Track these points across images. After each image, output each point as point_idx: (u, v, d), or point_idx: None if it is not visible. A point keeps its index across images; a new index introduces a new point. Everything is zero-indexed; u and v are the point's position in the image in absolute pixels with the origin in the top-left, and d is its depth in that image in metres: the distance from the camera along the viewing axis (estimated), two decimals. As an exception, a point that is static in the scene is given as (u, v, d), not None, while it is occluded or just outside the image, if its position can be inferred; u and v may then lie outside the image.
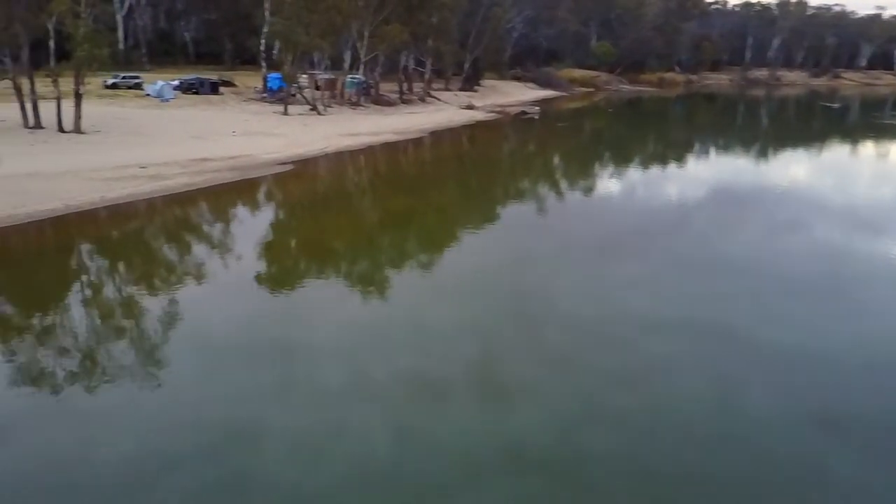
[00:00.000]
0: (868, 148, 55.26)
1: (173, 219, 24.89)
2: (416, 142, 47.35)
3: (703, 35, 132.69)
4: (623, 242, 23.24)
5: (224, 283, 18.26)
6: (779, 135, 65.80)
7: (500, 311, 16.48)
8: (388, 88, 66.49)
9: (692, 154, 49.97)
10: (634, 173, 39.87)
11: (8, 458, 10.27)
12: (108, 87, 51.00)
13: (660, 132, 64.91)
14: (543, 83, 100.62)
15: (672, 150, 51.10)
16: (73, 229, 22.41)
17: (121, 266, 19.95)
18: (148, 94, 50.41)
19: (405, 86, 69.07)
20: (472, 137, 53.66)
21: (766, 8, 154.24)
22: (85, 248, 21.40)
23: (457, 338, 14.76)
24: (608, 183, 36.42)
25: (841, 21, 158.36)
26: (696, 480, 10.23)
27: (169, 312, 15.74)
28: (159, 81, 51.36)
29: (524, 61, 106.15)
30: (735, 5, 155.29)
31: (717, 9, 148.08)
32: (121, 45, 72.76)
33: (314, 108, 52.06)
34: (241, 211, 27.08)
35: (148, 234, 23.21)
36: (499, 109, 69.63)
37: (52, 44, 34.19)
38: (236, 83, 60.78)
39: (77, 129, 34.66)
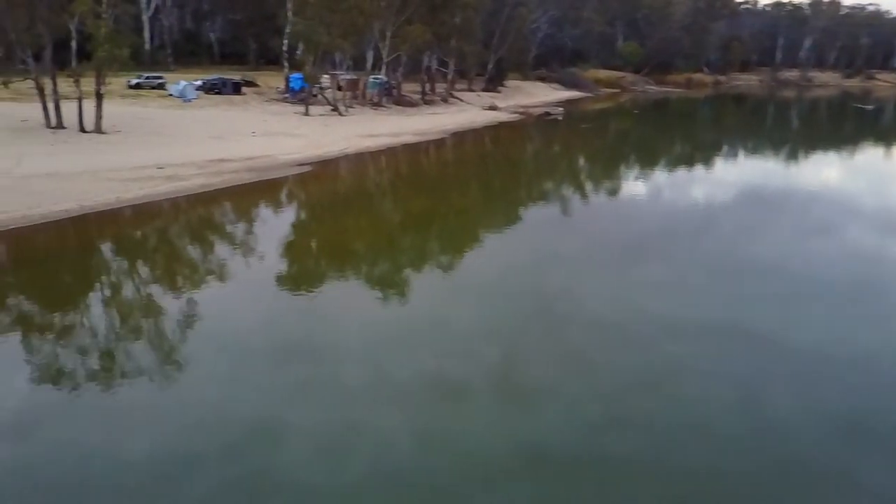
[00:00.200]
0: (903, 151, 53.63)
1: (186, 220, 24.68)
2: (437, 143, 46.89)
3: (732, 35, 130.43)
4: (647, 244, 22.78)
5: (232, 284, 17.92)
6: (809, 137, 64.18)
7: (522, 312, 16.31)
8: (410, 89, 66.12)
9: (719, 157, 48.77)
10: (659, 176, 38.97)
11: (35, 452, 10.42)
12: (131, 87, 51.27)
13: (687, 134, 63.69)
14: (568, 84, 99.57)
15: (699, 153, 50.00)
16: (86, 230, 22.26)
17: (129, 267, 19.72)
18: (171, 95, 50.57)
19: (427, 86, 68.62)
20: (494, 139, 53.06)
21: (797, 7, 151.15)
22: (96, 249, 21.26)
23: (478, 338, 14.65)
24: (632, 185, 35.57)
25: (875, 21, 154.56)
26: (719, 485, 10.03)
27: (178, 314, 15.43)
28: (182, 81, 51.52)
29: (549, 62, 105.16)
30: (765, 5, 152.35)
31: (746, 8, 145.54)
32: (147, 46, 73.42)
33: (335, 109, 51.84)
34: (256, 212, 26.78)
35: (160, 235, 23.01)
36: (522, 110, 68.89)
37: (74, 44, 34.26)
38: (259, 83, 60.84)
39: (98, 129, 34.72)
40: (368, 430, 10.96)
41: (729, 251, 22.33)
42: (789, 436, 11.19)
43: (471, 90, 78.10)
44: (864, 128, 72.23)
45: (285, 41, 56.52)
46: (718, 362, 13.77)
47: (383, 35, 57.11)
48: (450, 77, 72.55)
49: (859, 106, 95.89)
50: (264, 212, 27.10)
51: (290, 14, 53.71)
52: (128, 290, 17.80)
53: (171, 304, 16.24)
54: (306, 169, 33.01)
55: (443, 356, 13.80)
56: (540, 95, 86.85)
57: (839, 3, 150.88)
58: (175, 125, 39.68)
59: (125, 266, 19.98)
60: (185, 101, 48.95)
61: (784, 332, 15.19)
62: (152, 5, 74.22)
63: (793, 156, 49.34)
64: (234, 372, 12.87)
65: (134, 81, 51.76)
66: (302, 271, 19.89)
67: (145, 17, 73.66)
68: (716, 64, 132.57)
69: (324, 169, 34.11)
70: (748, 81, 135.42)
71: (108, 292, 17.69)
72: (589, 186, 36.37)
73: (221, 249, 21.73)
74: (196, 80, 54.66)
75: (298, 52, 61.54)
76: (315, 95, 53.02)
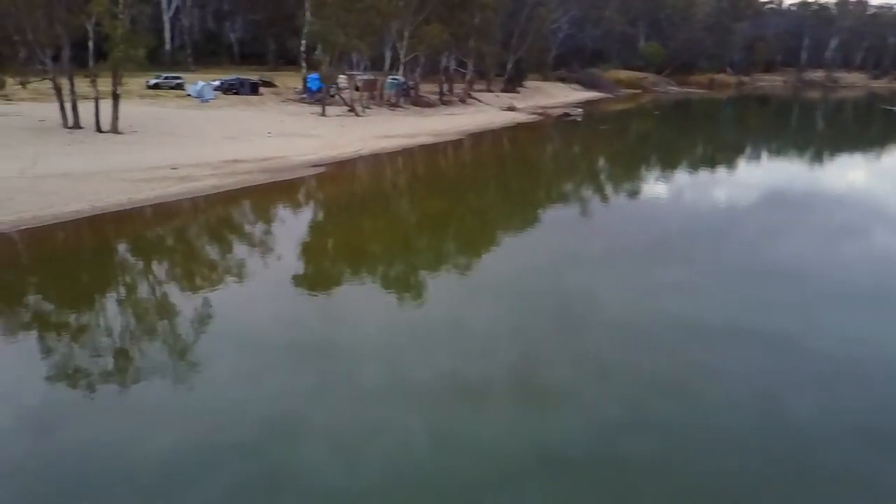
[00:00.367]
0: (932, 154, 52.29)
1: (197, 222, 24.60)
2: (454, 144, 46.54)
3: (756, 35, 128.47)
4: (667, 247, 22.58)
5: (238, 286, 17.70)
6: (835, 139, 62.86)
7: (541, 313, 16.24)
8: (428, 89, 65.84)
9: (741, 159, 47.82)
10: (679, 178, 38.26)
11: (60, 448, 10.51)
12: (150, 87, 51.56)
13: (708, 136, 62.71)
14: (588, 84, 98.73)
15: (720, 155, 49.12)
16: (95, 231, 22.19)
17: (136, 269, 19.60)
18: (189, 95, 50.75)
19: (445, 87, 68.28)
20: (511, 140, 52.60)
21: (823, 7, 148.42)
22: (104, 250, 21.12)
23: (496, 339, 14.60)
24: (651, 187, 34.93)
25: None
26: (737, 492, 9.85)
27: (183, 316, 15.26)
28: (200, 82, 51.70)
29: (569, 62, 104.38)
30: (791, 4, 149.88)
31: (771, 8, 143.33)
32: (167, 46, 73.92)
33: (352, 110, 51.70)
34: (266, 214, 26.62)
35: (170, 237, 22.93)
36: (540, 111, 68.31)
37: (91, 44, 34.39)
38: (277, 84, 60.89)
39: (114, 130, 34.83)
40: (386, 429, 10.96)
41: (752, 254, 21.99)
42: (812, 442, 11.02)
43: (489, 91, 77.68)
44: (892, 130, 70.63)
45: (303, 41, 56.56)
46: (740, 366, 13.55)
47: (401, 35, 56.90)
48: (468, 77, 72.16)
49: (887, 107, 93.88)
50: (275, 213, 26.92)
51: (307, 14, 53.73)
52: (131, 292, 17.64)
53: (175, 306, 16.08)
54: (320, 170, 32.83)
55: (461, 356, 13.75)
56: (559, 96, 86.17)
57: (866, 2, 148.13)
58: (191, 125, 39.74)
59: (132, 267, 19.87)
60: (202, 101, 49.10)
61: (808, 336, 15.00)
62: (173, 6, 74.67)
63: (817, 158, 48.30)
64: (252, 373, 12.78)
65: (153, 81, 52.06)
66: (307, 273, 19.61)
67: (166, 18, 74.15)
68: (739, 64, 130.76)
69: (338, 170, 33.90)
70: (772, 82, 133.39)
71: (111, 294, 17.55)
72: (607, 188, 35.79)
73: (230, 251, 21.57)
74: (214, 80, 54.85)
75: (317, 52, 61.60)
76: (332, 96, 52.94)
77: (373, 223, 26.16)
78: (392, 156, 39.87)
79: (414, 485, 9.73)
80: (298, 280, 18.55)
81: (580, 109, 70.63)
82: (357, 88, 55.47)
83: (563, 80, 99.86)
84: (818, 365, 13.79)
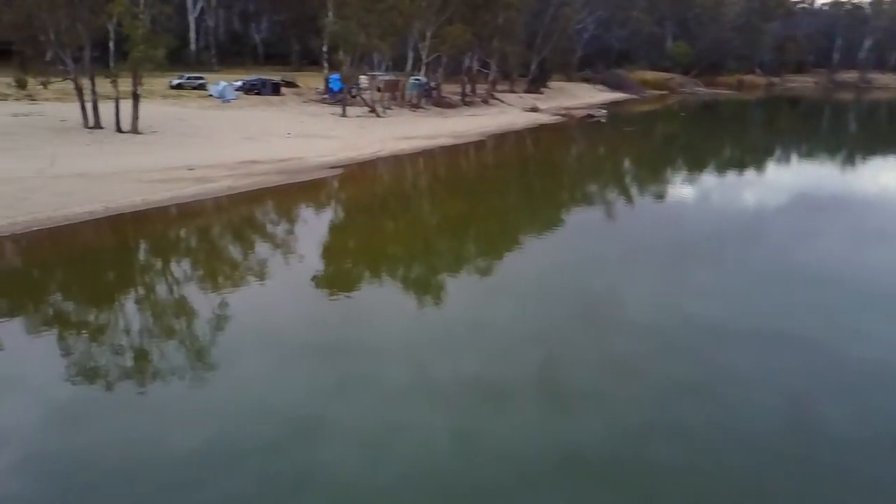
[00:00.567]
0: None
1: (208, 224, 24.37)
2: (474, 146, 46.02)
3: (786, 35, 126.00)
4: (692, 250, 22.16)
5: (244, 289, 17.38)
6: (867, 141, 61.14)
7: (564, 317, 16.10)
8: (451, 90, 65.39)
9: (769, 161, 46.61)
10: (705, 181, 37.28)
11: (87, 443, 10.60)
12: (173, 87, 51.85)
13: (736, 138, 61.31)
14: (614, 85, 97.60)
15: (748, 157, 47.96)
16: (107, 232, 22.03)
17: (143, 272, 19.42)
18: (211, 95, 50.90)
19: (468, 87, 67.76)
20: (533, 141, 51.96)
21: (857, 7, 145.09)
22: (112, 252, 20.91)
23: (519, 341, 14.50)
24: (675, 190, 34.06)
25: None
26: (764, 499, 9.66)
27: (197, 319, 14.97)
28: (221, 82, 51.84)
29: (595, 63, 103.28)
30: (823, 4, 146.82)
31: (803, 8, 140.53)
32: (192, 47, 74.48)
33: (373, 110, 51.43)
34: (280, 216, 26.37)
35: (180, 239, 22.75)
36: (564, 112, 67.51)
37: (111, 45, 34.50)
38: (299, 84, 60.93)
39: (134, 130, 34.90)
40: (408, 429, 10.95)
41: (781, 257, 21.48)
42: (842, 448, 10.80)
43: (512, 91, 77.04)
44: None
45: (325, 42, 56.46)
46: (767, 371, 13.28)
47: (423, 35, 56.53)
48: (491, 78, 71.60)
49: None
50: (289, 215, 26.64)
51: (330, 14, 53.61)
52: (136, 295, 17.42)
53: (186, 309, 15.82)
54: (337, 172, 32.52)
55: (484, 357, 13.67)
56: (583, 97, 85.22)
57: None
58: (211, 126, 39.74)
59: (140, 269, 19.69)
60: (223, 101, 49.20)
61: (838, 340, 14.76)
62: (198, 6, 75.21)
63: (850, 161, 46.90)
64: (278, 374, 12.77)
65: (175, 82, 52.35)
66: (314, 276, 19.20)
67: (191, 18, 74.73)
68: (769, 65, 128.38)
69: (355, 172, 33.56)
70: (803, 83, 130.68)
71: (113, 296, 17.34)
72: (631, 191, 35.00)
73: (240, 253, 21.32)
74: (237, 80, 55.00)
75: (341, 52, 61.49)
76: (353, 96, 52.74)
77: (387, 227, 25.80)
78: (411, 157, 39.48)
79: (436, 485, 9.73)
80: (304, 283, 18.19)
81: (604, 111, 69.68)
82: (379, 89, 55.23)
83: (587, 80, 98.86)
84: (849, 369, 13.50)
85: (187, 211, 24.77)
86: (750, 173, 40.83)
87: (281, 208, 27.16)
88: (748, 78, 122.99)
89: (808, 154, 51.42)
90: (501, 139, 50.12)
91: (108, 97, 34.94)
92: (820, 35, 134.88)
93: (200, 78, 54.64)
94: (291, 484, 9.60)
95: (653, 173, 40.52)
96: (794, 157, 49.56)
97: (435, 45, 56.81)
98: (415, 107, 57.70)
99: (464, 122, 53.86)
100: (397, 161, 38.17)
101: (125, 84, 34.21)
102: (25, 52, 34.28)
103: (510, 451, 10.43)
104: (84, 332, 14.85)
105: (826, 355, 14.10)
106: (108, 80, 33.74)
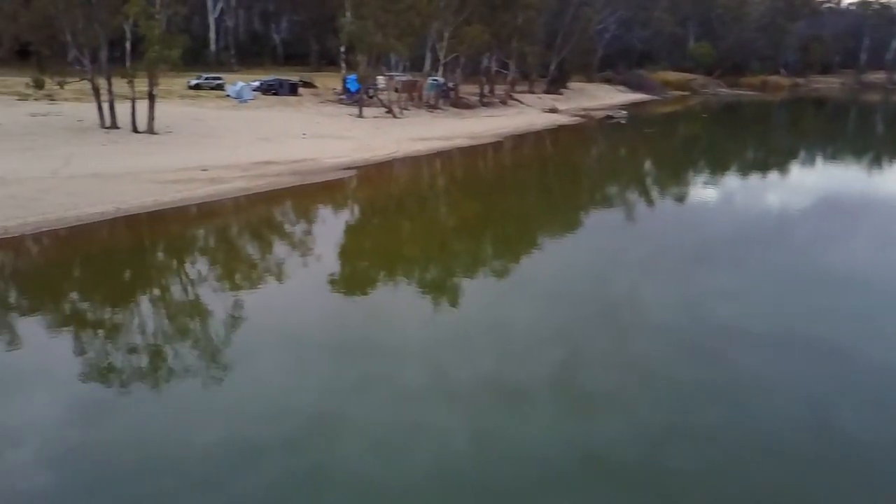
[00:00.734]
0: None
1: (217, 225, 24.24)
2: (491, 147, 45.56)
3: (812, 35, 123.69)
4: (714, 254, 21.86)
5: (251, 292, 17.14)
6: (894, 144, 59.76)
7: (584, 319, 16.05)
8: (469, 91, 64.94)
9: (794, 164, 45.58)
10: (727, 184, 36.45)
11: (109, 438, 10.77)
12: (191, 87, 52.03)
13: (759, 139, 60.16)
14: (635, 86, 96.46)
15: (771, 159, 46.97)
16: (116, 234, 21.94)
17: (149, 274, 19.27)
18: (228, 96, 50.98)
19: (486, 88, 67.27)
20: (551, 142, 51.39)
21: (885, 6, 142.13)
22: (120, 253, 20.81)
23: (538, 344, 14.43)
24: (696, 193, 33.33)
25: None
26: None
27: (193, 324, 14.76)
28: (239, 83, 51.89)
29: (616, 63, 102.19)
30: (850, 4, 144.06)
31: (829, 7, 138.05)
32: (212, 47, 74.87)
33: (389, 111, 51.19)
34: (291, 218, 26.18)
35: (189, 241, 22.58)
36: (583, 113, 66.83)
37: (128, 45, 34.57)
38: (317, 84, 60.88)
39: (150, 130, 34.94)
40: (426, 429, 10.97)
41: (805, 260, 21.24)
42: (866, 457, 10.62)
43: (532, 92, 76.40)
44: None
45: (343, 42, 56.31)
46: (791, 376, 13.14)
47: (441, 36, 56.18)
48: (509, 79, 71.08)
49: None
50: (300, 217, 26.44)
51: (347, 14, 53.48)
52: (135, 296, 17.27)
53: (182, 310, 15.60)
54: (350, 173, 32.26)
55: (503, 359, 13.61)
56: (604, 98, 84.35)
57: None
58: (226, 126, 39.71)
59: (144, 271, 19.54)
60: (240, 102, 49.23)
61: (863, 347, 14.50)
62: (218, 7, 75.58)
63: (876, 164, 45.75)
64: (299, 378, 12.81)
65: (193, 82, 52.53)
66: (320, 278, 18.92)
67: (211, 19, 75.14)
68: (794, 66, 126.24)
69: (369, 173, 33.28)
70: (829, 84, 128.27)
71: (115, 298, 17.19)
72: (649, 193, 34.36)
73: (246, 255, 21.14)
74: (255, 80, 55.05)
75: (358, 53, 61.37)
76: (371, 97, 52.53)
77: (398, 229, 25.52)
78: (427, 158, 39.16)
79: (457, 485, 9.73)
80: (304, 284, 17.93)
81: (624, 112, 68.83)
82: (396, 90, 55.00)
83: (608, 81, 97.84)
84: (875, 376, 13.27)
85: (198, 212, 24.66)
86: (773, 176, 39.94)
87: (291, 210, 26.97)
88: (772, 79, 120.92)
89: (834, 157, 50.29)
90: (519, 140, 49.63)
91: (125, 97, 35.05)
92: (847, 35, 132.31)
93: (218, 78, 54.79)
94: (311, 480, 9.75)
95: (672, 176, 39.80)
96: (818, 160, 48.51)
97: (453, 46, 56.43)
98: (432, 107, 57.37)
99: (481, 123, 53.44)
100: (412, 162, 37.86)
101: (142, 84, 34.30)
102: (43, 53, 34.46)
103: (529, 452, 10.38)
104: (83, 332, 14.71)
105: (852, 360, 13.83)
106: (125, 80, 33.85)
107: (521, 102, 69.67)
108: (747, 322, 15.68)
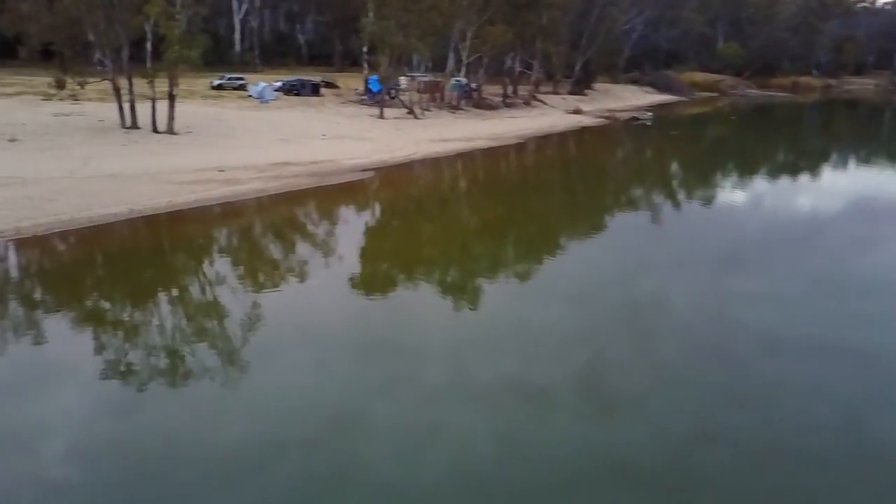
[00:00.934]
0: None
1: (230, 227, 23.98)
2: (512, 148, 44.94)
3: (846, 35, 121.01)
4: (740, 257, 21.29)
5: (259, 296, 16.79)
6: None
7: (608, 321, 15.92)
8: (493, 91, 64.32)
9: (825, 167, 44.34)
10: (755, 187, 35.38)
11: (131, 433, 10.84)
12: (214, 87, 52.17)
13: (789, 142, 58.76)
14: (661, 87, 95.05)
15: (802, 162, 45.77)
16: (125, 235, 21.72)
17: (155, 277, 19.02)
18: (250, 96, 51.01)
19: (510, 89, 66.57)
20: (575, 143, 50.64)
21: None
22: (127, 255, 20.57)
23: (562, 347, 14.32)
24: (723, 197, 32.32)
25: None
26: None
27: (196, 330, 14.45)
28: (261, 83, 51.88)
29: (643, 64, 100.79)
30: (885, 3, 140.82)
31: (863, 7, 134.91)
32: (236, 48, 75.23)
33: (411, 112, 50.80)
34: (305, 220, 25.84)
35: (199, 243, 22.29)
36: (608, 114, 65.87)
37: (148, 45, 34.60)
38: (339, 85, 60.76)
39: (170, 130, 34.94)
40: (448, 430, 10.94)
41: (836, 265, 20.73)
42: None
43: (556, 93, 75.55)
44: None
45: (365, 42, 56.07)
46: (821, 382, 12.97)
47: (463, 36, 55.68)
48: (533, 79, 70.34)
49: None
50: (312, 219, 26.11)
51: (370, 14, 53.21)
52: (136, 297, 17.01)
53: (183, 311, 15.30)
54: (368, 175, 31.89)
55: (525, 362, 13.45)
56: (629, 99, 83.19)
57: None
58: (247, 127, 39.60)
59: (150, 273, 19.30)
60: (262, 102, 49.20)
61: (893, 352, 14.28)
62: (243, 8, 75.92)
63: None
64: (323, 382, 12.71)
65: (216, 83, 52.67)
66: (327, 281, 18.51)
67: (236, 20, 75.51)
68: (826, 67, 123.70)
69: (387, 175, 32.85)
70: (862, 85, 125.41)
71: (119, 299, 16.95)
72: (676, 196, 33.49)
73: (255, 257, 20.83)
74: (277, 81, 55.05)
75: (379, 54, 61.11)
76: (393, 98, 52.21)
77: (415, 231, 25.07)
78: (446, 160, 38.69)
79: (478, 487, 9.63)
80: (309, 287, 17.52)
81: (650, 113, 67.67)
82: (418, 90, 54.61)
83: (635, 81, 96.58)
84: None
85: (212, 213, 24.45)
86: (804, 180, 38.85)
87: (306, 212, 26.65)
88: (803, 80, 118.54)
89: (867, 160, 48.81)
90: (541, 142, 48.94)
91: (146, 97, 35.10)
92: (881, 35, 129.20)
93: (241, 79, 54.89)
94: (332, 480, 9.77)
95: (698, 179, 38.89)
96: (851, 164, 47.09)
97: (476, 46, 55.87)
98: (454, 108, 56.88)
99: (503, 124, 52.82)
100: (432, 164, 37.41)
101: (162, 84, 34.32)
102: (65, 53, 34.62)
103: (552, 454, 10.33)
104: (84, 333, 14.45)
105: (884, 367, 13.57)
106: (146, 80, 33.87)
107: (545, 103, 68.89)
108: (776, 326, 15.39)
